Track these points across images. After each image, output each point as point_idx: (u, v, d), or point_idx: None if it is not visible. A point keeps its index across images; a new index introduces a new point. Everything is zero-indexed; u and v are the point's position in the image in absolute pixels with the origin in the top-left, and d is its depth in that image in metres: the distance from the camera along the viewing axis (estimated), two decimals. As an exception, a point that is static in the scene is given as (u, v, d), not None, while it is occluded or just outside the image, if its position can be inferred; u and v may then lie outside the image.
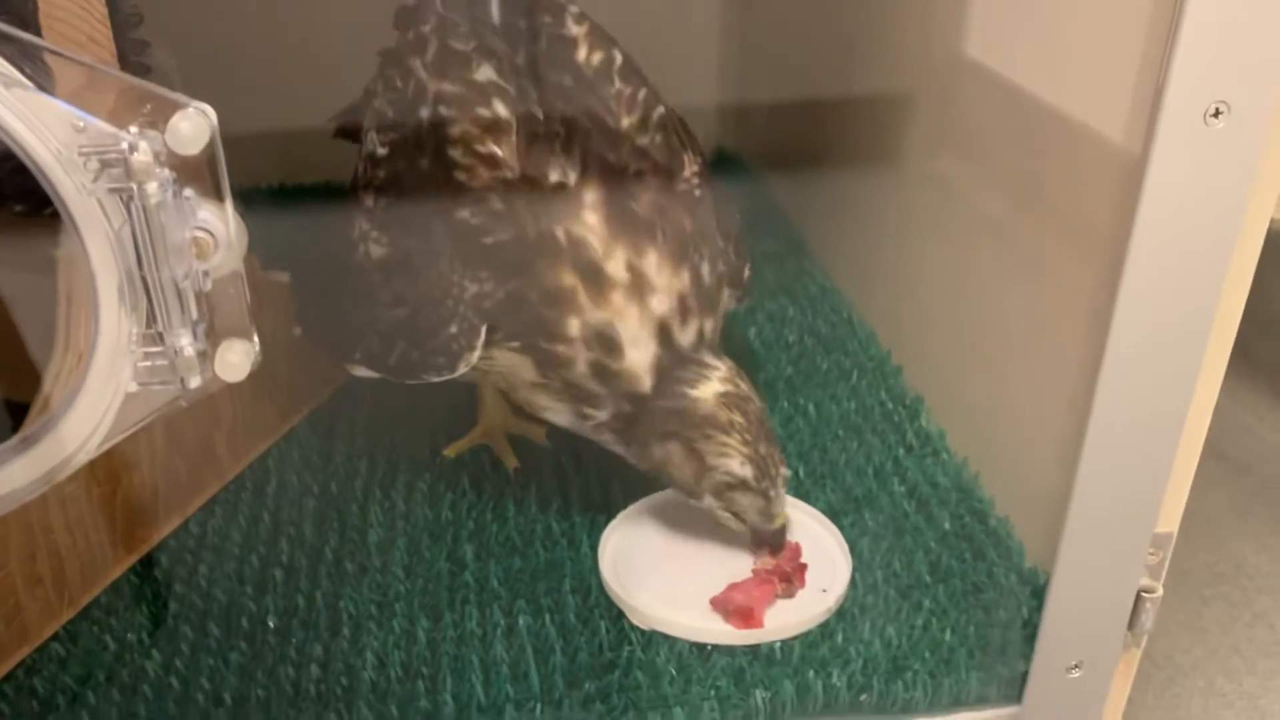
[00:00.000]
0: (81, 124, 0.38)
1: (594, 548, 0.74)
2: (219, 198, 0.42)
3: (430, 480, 0.83)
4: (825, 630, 0.68)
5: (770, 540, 0.71)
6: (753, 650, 0.66)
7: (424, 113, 0.70)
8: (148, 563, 0.75)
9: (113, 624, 0.69)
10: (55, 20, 0.65)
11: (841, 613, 0.69)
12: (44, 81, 0.42)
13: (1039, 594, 0.68)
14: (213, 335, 0.44)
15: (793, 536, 0.73)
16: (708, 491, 0.70)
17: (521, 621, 0.69)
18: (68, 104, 0.38)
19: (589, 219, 0.67)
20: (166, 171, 0.40)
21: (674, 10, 1.33)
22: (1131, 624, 0.63)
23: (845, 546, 0.73)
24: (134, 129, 0.39)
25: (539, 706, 0.62)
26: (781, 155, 1.28)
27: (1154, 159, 0.50)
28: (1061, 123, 0.69)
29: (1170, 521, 0.61)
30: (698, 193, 0.73)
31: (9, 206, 0.71)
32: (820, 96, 1.16)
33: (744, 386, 0.69)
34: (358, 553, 0.75)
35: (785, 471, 0.70)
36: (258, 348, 0.45)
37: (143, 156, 0.39)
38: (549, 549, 0.76)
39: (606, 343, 0.67)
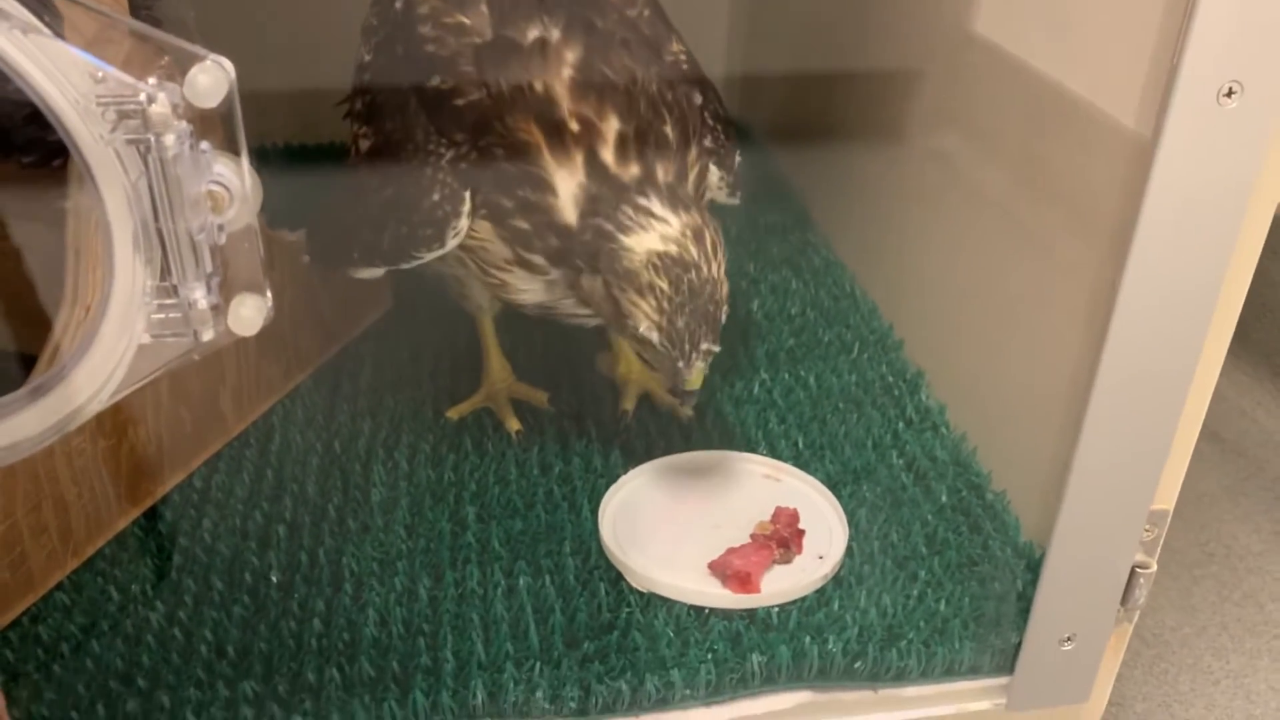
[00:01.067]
0: (100, 74, 0.38)
1: (594, 512, 0.75)
2: (235, 151, 0.42)
3: (433, 441, 0.83)
4: (822, 597, 0.69)
5: (680, 396, 0.69)
6: (749, 615, 0.67)
7: (399, 4, 0.73)
8: (152, 516, 0.75)
9: (117, 575, 0.70)
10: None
11: (838, 581, 0.70)
12: (57, 29, 0.42)
13: (1034, 568, 0.69)
14: (226, 289, 0.45)
15: (791, 503, 0.74)
16: (625, 335, 0.69)
17: (522, 582, 0.70)
18: (86, 53, 0.38)
19: (565, 75, 0.68)
20: (184, 124, 0.40)
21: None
22: (1124, 599, 0.64)
23: (843, 515, 0.74)
24: (152, 80, 0.39)
25: (538, 665, 0.63)
26: (789, 128, 1.27)
27: (1165, 137, 0.50)
28: (1069, 101, 0.69)
29: (1166, 499, 0.62)
30: (685, 66, 0.74)
31: (17, 158, 0.72)
32: (829, 70, 1.16)
33: (693, 251, 0.65)
34: (360, 511, 0.76)
35: (709, 347, 0.66)
36: (270, 302, 0.45)
37: (160, 108, 0.39)
38: (550, 512, 0.76)
39: (535, 180, 0.67)
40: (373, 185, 0.73)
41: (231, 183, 0.42)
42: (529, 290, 0.72)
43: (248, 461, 0.80)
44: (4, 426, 0.45)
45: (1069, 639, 0.65)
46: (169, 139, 0.40)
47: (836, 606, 0.68)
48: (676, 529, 0.74)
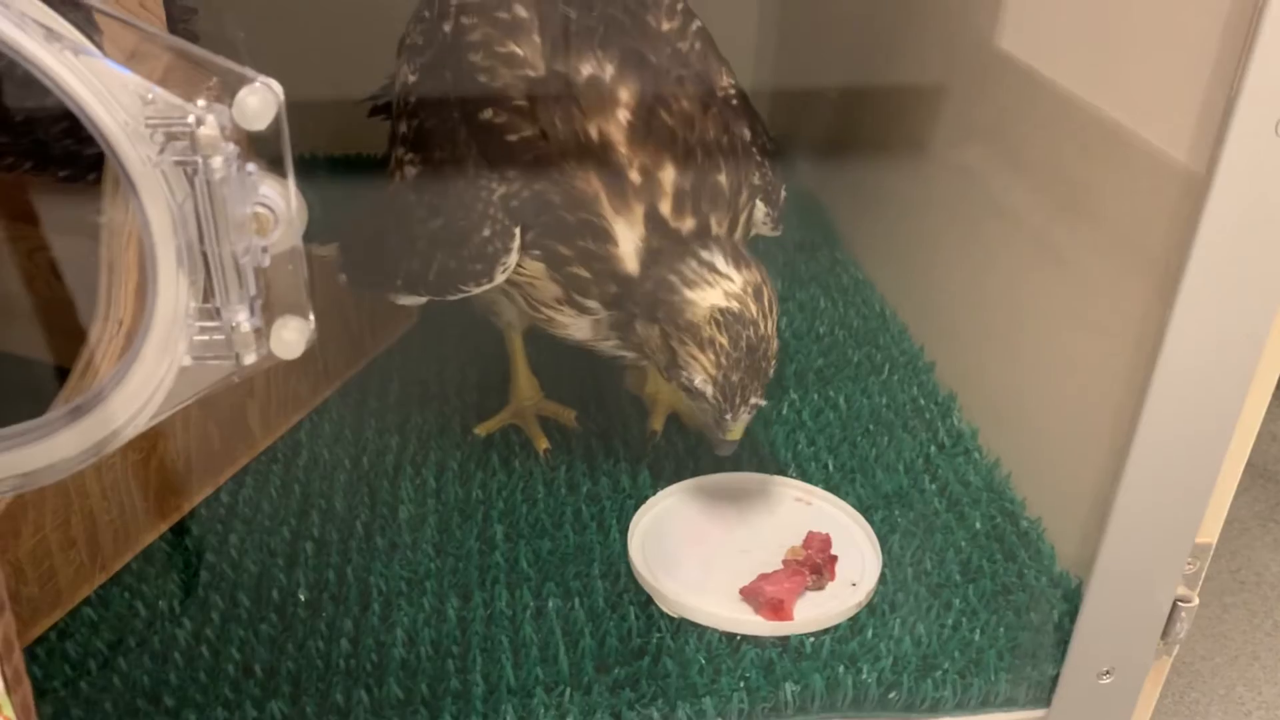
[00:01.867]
0: (150, 95, 0.38)
1: (623, 532, 0.74)
2: (281, 173, 0.42)
3: (461, 459, 0.83)
4: (855, 626, 0.68)
5: (718, 444, 0.70)
6: (782, 643, 0.66)
7: (446, 27, 0.71)
8: (179, 531, 0.75)
9: (144, 590, 0.70)
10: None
11: (871, 609, 0.69)
12: (100, 44, 0.42)
13: (1070, 598, 0.68)
14: (268, 311, 0.44)
15: (823, 528, 0.73)
16: (675, 381, 0.69)
17: (551, 604, 0.69)
18: (136, 74, 0.38)
19: (622, 118, 0.67)
20: (232, 146, 0.40)
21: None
22: (1165, 633, 0.63)
23: (875, 541, 0.73)
24: (201, 102, 0.38)
25: (568, 690, 0.63)
26: (817, 144, 1.27)
27: (1221, 168, 0.49)
28: (1114, 128, 0.68)
29: (1210, 533, 0.61)
30: (732, 103, 0.73)
31: (54, 172, 0.72)
32: (857, 86, 1.15)
33: (752, 309, 0.66)
34: (388, 528, 0.75)
35: (756, 401, 0.67)
36: (313, 325, 0.45)
37: (209, 130, 0.38)
38: (578, 532, 0.76)
39: (601, 234, 0.67)
40: (419, 215, 0.72)
41: (277, 205, 0.42)
42: (575, 327, 0.72)
43: (275, 476, 0.80)
44: (43, 447, 0.45)
45: (1108, 672, 0.64)
46: (217, 161, 0.39)
47: (870, 635, 0.67)
48: (706, 552, 0.73)
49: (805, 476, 0.81)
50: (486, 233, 0.67)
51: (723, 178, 0.69)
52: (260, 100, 0.39)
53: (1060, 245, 0.75)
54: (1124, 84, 0.68)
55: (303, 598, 0.69)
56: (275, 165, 0.42)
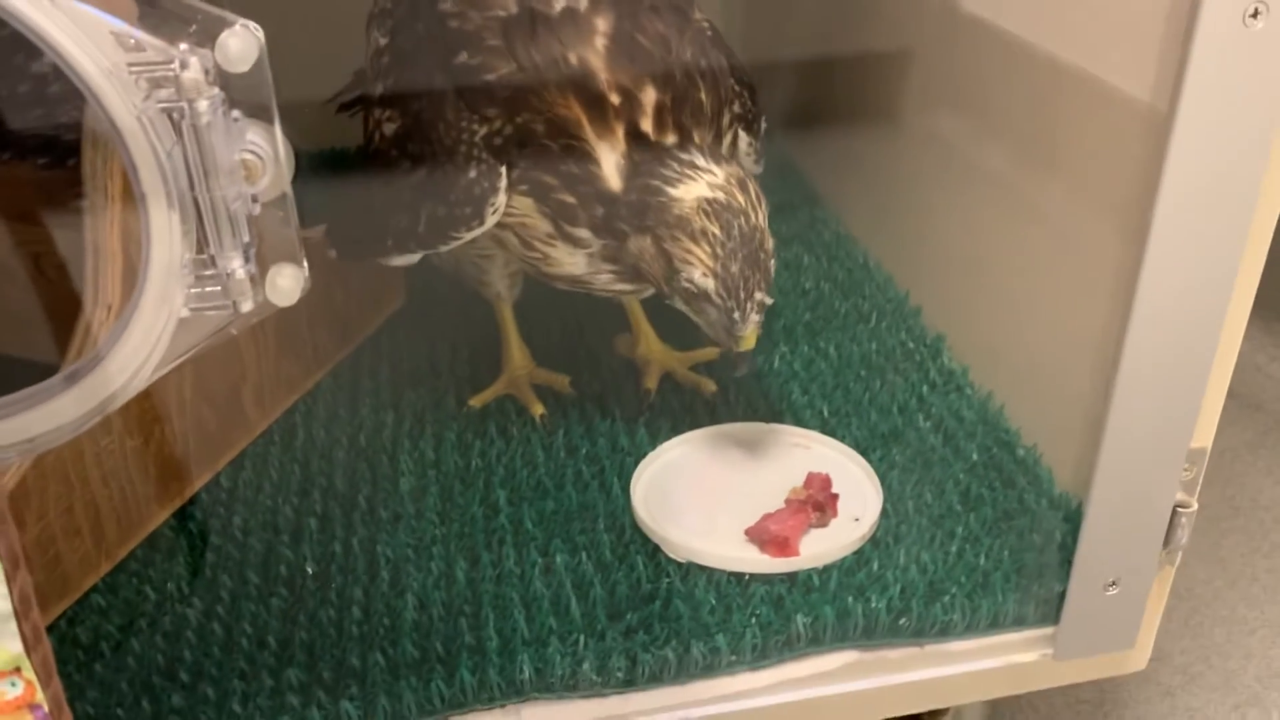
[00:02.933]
0: (132, 40, 0.38)
1: (624, 489, 0.75)
2: (266, 119, 0.42)
3: (458, 430, 0.83)
4: (860, 558, 0.69)
5: (735, 360, 0.69)
6: (790, 578, 0.67)
7: None
8: (182, 516, 0.75)
9: (151, 575, 0.70)
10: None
11: (875, 541, 0.70)
12: None
13: (1071, 518, 0.69)
14: (262, 260, 0.44)
15: (822, 469, 0.74)
16: (677, 294, 0.68)
17: (559, 560, 0.69)
18: (116, 18, 0.38)
19: (599, 45, 0.67)
20: (216, 90, 0.40)
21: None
22: (1167, 540, 0.64)
23: (875, 477, 0.74)
24: (184, 46, 0.39)
25: (582, 638, 0.63)
26: (792, 109, 1.27)
27: (1193, 61, 0.50)
28: (1074, 72, 0.69)
29: (1204, 437, 0.62)
30: (710, 34, 0.73)
31: (33, 160, 0.71)
32: (829, 50, 1.16)
33: (740, 199, 0.65)
34: (391, 500, 0.76)
35: (762, 298, 0.66)
36: (307, 272, 0.45)
37: (193, 74, 0.39)
38: (580, 491, 0.76)
39: (578, 154, 0.67)
40: (403, 169, 0.72)
41: (264, 151, 0.42)
42: (570, 263, 0.71)
43: (273, 459, 0.80)
44: (44, 410, 0.45)
45: (1114, 583, 0.64)
46: (202, 105, 0.39)
47: (876, 566, 0.68)
48: (709, 500, 0.73)
49: (801, 423, 0.81)
50: (473, 174, 0.67)
51: (702, 95, 0.69)
52: (242, 43, 0.40)
53: (1034, 190, 0.76)
54: (1081, 27, 0.69)
55: (310, 571, 0.70)
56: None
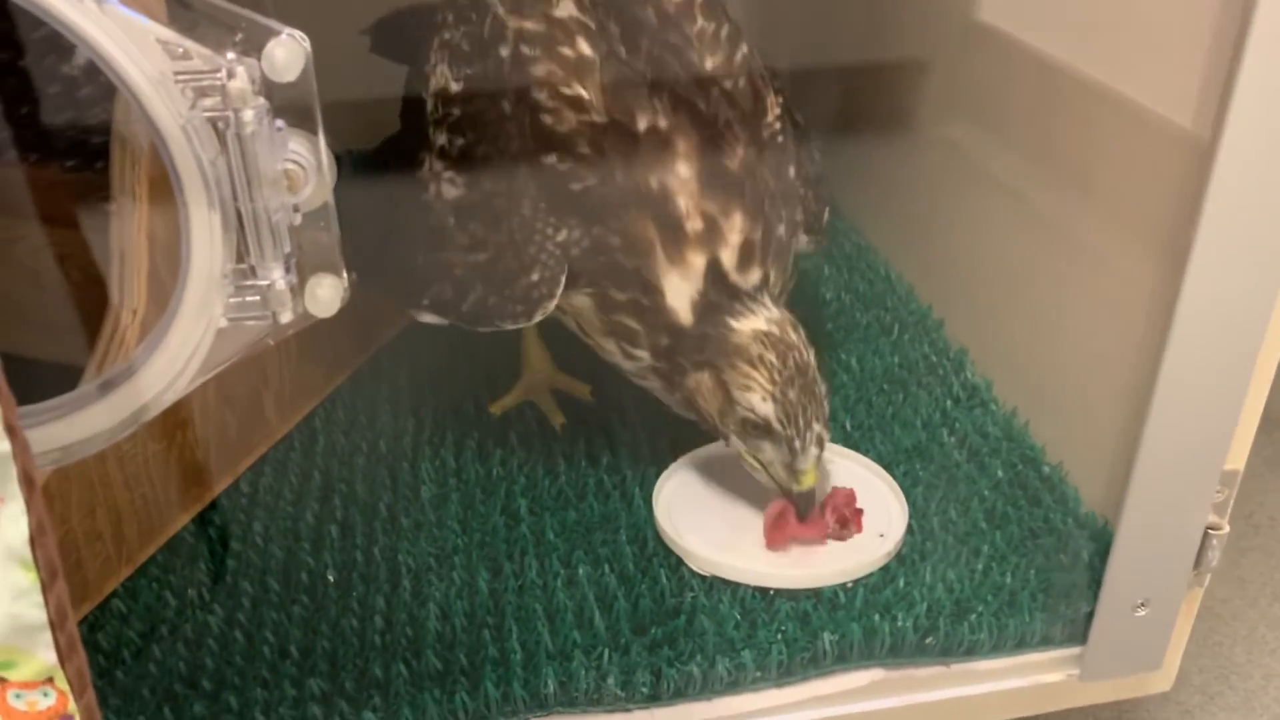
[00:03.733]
0: (180, 49, 0.38)
1: (646, 500, 0.74)
2: (310, 129, 0.42)
3: (478, 437, 0.83)
4: (886, 575, 0.68)
5: (797, 503, 0.68)
6: (815, 595, 0.66)
7: (504, 51, 0.68)
8: (202, 521, 0.74)
9: (172, 581, 0.69)
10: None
11: (901, 558, 0.69)
12: None
13: (1098, 537, 0.69)
14: (300, 270, 0.44)
15: (847, 483, 0.73)
16: (733, 429, 0.68)
17: (581, 571, 0.69)
18: (165, 27, 0.37)
19: (681, 170, 0.66)
20: (262, 100, 0.39)
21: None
22: (1197, 562, 0.63)
23: (900, 493, 0.73)
24: (231, 55, 0.38)
25: (607, 652, 0.62)
26: (811, 116, 1.27)
27: (1238, 91, 0.49)
28: (1104, 92, 0.68)
29: (1238, 459, 0.61)
30: (780, 139, 0.73)
31: (60, 163, 0.71)
32: (848, 58, 1.16)
33: (794, 337, 0.67)
34: (412, 508, 0.75)
35: (820, 430, 0.66)
36: (346, 283, 0.45)
37: (240, 83, 0.38)
38: (602, 502, 0.76)
39: (646, 285, 0.67)
40: (460, 242, 0.69)
41: (307, 161, 0.42)
42: (623, 363, 0.72)
43: (293, 464, 0.80)
44: (80, 419, 0.44)
45: (1143, 605, 0.64)
46: (247, 115, 0.39)
47: (903, 584, 0.67)
48: (733, 513, 0.73)
49: (824, 436, 0.81)
50: (535, 277, 0.66)
51: (782, 228, 0.69)
52: (288, 52, 0.39)
53: (1062, 207, 0.76)
54: (1119, 49, 0.68)
55: (332, 579, 0.69)
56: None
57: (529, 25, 0.68)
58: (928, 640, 0.64)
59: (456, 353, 0.93)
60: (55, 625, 0.40)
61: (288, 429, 0.83)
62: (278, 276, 0.42)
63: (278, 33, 0.39)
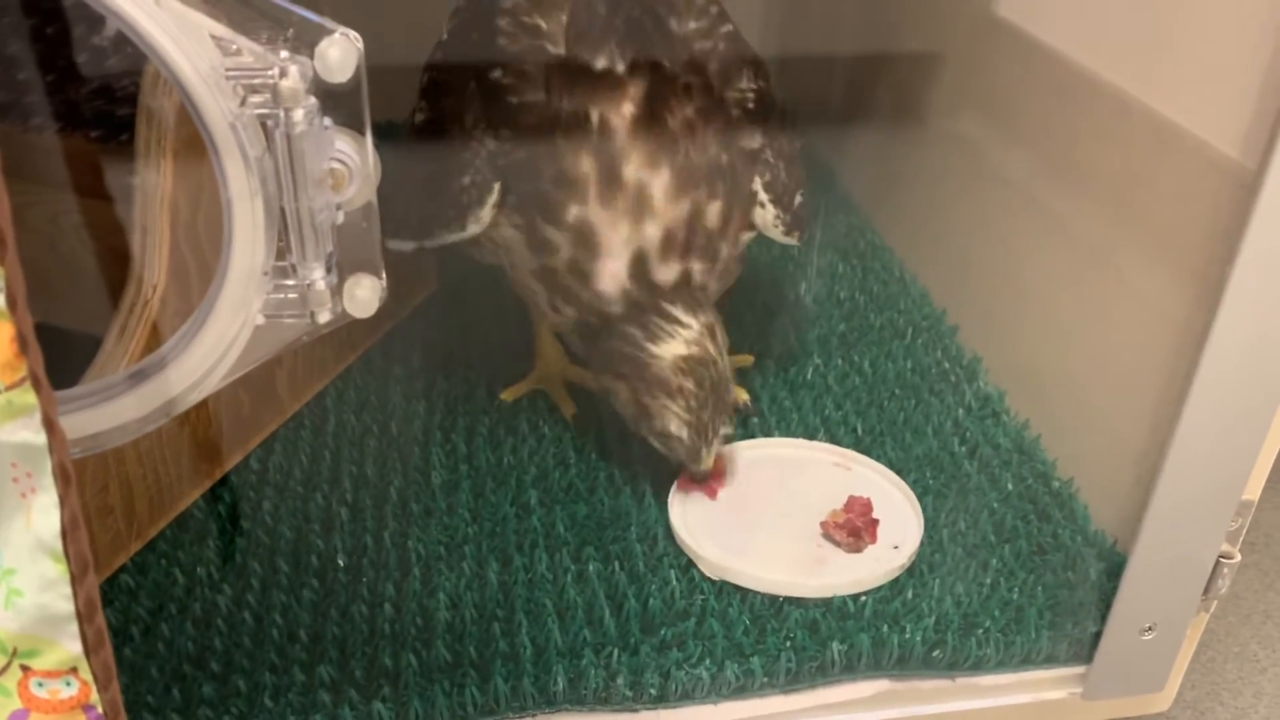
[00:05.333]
0: (235, 45, 0.37)
1: (657, 497, 0.74)
2: (357, 128, 0.41)
3: (490, 424, 0.82)
4: (895, 586, 0.68)
5: (694, 476, 0.74)
6: (825, 604, 0.67)
7: None
8: (213, 497, 0.74)
9: (181, 558, 0.69)
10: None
11: (911, 570, 0.70)
12: None
13: (1105, 556, 0.69)
14: (340, 269, 0.44)
15: (863, 493, 0.73)
16: (644, 430, 0.71)
17: (591, 568, 0.69)
18: (220, 23, 0.37)
19: (625, 109, 0.66)
20: (313, 99, 0.39)
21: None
22: (1207, 589, 0.64)
23: (916, 504, 0.74)
24: (284, 54, 0.38)
25: (616, 651, 0.63)
26: (830, 111, 1.26)
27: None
28: (1133, 106, 0.68)
29: (1255, 489, 0.62)
30: (751, 106, 0.72)
31: (85, 133, 0.70)
32: (870, 52, 1.15)
33: (711, 349, 0.69)
34: (422, 494, 0.75)
35: (726, 430, 0.71)
36: (385, 282, 0.44)
37: (291, 82, 0.38)
38: (613, 497, 0.75)
39: (590, 244, 0.67)
40: (415, 160, 0.73)
41: (352, 160, 0.41)
42: (548, 313, 0.73)
43: (304, 443, 0.79)
44: (111, 408, 0.44)
45: (1150, 628, 0.64)
46: (298, 115, 0.38)
47: (911, 595, 0.68)
48: (747, 517, 0.73)
49: (835, 440, 0.81)
50: (466, 180, 0.68)
51: (716, 211, 0.69)
52: (341, 52, 0.39)
53: (1088, 221, 0.76)
54: (1166, 71, 0.68)
55: (342, 564, 0.69)
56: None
57: None
58: (935, 653, 0.64)
59: (468, 336, 0.92)
60: (83, 618, 0.40)
61: (299, 406, 0.83)
62: (318, 276, 0.42)
63: (331, 31, 0.39)
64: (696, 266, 0.69)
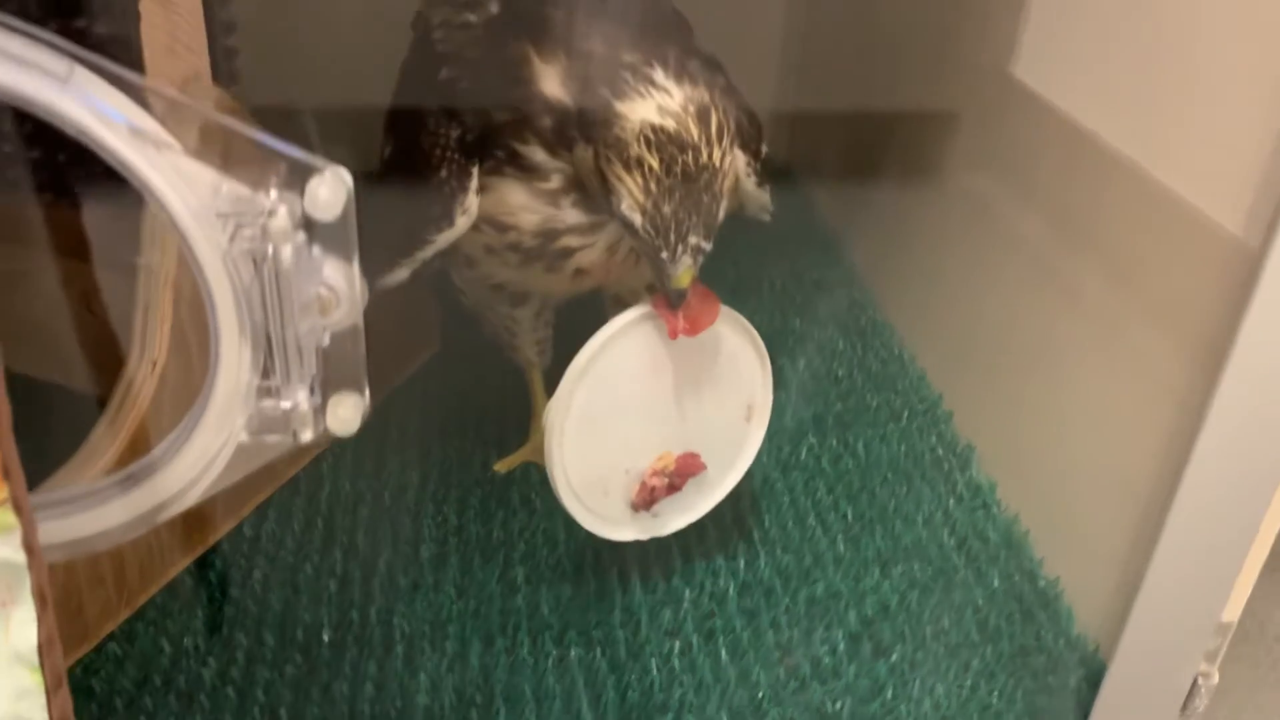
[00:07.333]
0: (224, 186, 0.38)
1: (643, 580, 0.75)
2: (345, 255, 0.42)
3: (482, 495, 0.83)
4: (874, 687, 0.69)
5: (667, 296, 0.64)
6: (805, 704, 0.67)
7: (421, 30, 0.77)
8: (203, 564, 0.75)
9: (169, 626, 0.70)
10: (152, 27, 0.65)
11: (891, 668, 0.70)
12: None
13: (1087, 662, 0.69)
14: (324, 386, 0.44)
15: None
16: (610, 211, 0.62)
17: (573, 653, 0.70)
18: (212, 169, 0.38)
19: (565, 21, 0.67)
20: (301, 235, 0.40)
21: (736, 16, 1.31)
22: (1184, 706, 0.64)
23: (765, 353, 0.72)
24: (274, 194, 0.39)
25: (592, 746, 0.63)
26: (836, 178, 1.27)
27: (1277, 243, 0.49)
28: (1149, 184, 0.68)
29: (1234, 610, 0.62)
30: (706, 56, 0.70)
31: (68, 201, 0.71)
32: (878, 122, 1.15)
33: (693, 131, 0.59)
34: (410, 567, 0.76)
35: (698, 242, 0.60)
36: (368, 401, 0.45)
37: (281, 222, 0.39)
38: (598, 578, 0.76)
39: (518, 75, 0.66)
40: (391, 186, 0.74)
41: (339, 286, 0.42)
42: (591, 246, 0.68)
43: (298, 510, 0.80)
44: (94, 515, 0.45)
45: (1126, 744, 0.64)
46: (286, 251, 0.39)
47: (890, 696, 0.68)
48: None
49: (824, 526, 0.81)
50: (443, 173, 0.67)
51: (675, 26, 0.70)
52: (331, 191, 0.40)
53: (1092, 298, 0.75)
54: (1173, 145, 0.68)
55: (326, 638, 0.70)
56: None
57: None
58: (910, 759, 0.65)
59: (467, 402, 0.93)
60: (44, 651, 0.41)
61: (295, 471, 0.84)
62: (302, 398, 0.43)
63: (321, 170, 0.40)
64: (671, 52, 0.63)
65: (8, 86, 0.35)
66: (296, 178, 0.40)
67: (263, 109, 0.72)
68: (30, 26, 0.36)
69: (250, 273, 0.40)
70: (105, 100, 0.36)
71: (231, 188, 0.38)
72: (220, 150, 0.41)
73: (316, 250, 0.42)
